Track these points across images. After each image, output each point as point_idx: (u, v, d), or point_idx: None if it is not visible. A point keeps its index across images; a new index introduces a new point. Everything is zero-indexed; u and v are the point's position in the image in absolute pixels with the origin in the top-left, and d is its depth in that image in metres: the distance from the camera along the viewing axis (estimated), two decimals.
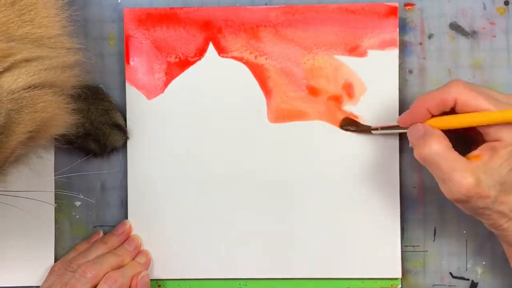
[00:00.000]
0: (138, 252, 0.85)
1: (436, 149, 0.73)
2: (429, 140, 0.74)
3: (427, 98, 0.76)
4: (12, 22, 0.65)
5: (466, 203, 0.74)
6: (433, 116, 0.76)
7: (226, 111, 0.85)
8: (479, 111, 0.73)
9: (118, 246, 0.84)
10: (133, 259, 0.84)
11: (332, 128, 0.84)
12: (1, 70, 0.63)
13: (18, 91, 0.64)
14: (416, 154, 0.75)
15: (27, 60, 0.65)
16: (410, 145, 0.77)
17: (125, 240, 0.85)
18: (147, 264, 0.85)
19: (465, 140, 0.77)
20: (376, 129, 0.83)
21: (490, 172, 0.73)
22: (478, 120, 0.74)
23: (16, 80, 0.63)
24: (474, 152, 0.74)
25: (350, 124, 0.84)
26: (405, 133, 0.78)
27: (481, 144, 0.75)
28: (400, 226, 0.84)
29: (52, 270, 0.83)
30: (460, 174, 0.72)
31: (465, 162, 0.73)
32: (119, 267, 0.82)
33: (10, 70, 0.64)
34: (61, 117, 0.71)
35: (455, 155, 0.73)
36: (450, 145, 0.74)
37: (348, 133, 0.84)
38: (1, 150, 0.65)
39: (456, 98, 0.74)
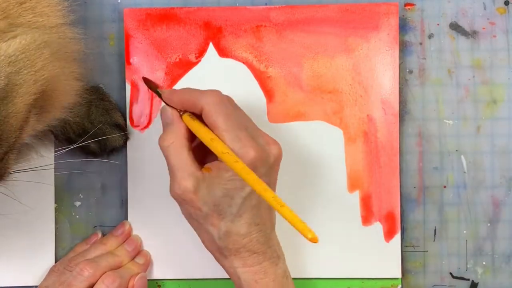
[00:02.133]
0: (138, 252, 0.85)
1: (169, 143, 0.74)
2: (167, 132, 0.75)
3: (186, 92, 0.76)
4: (12, 9, 0.65)
5: (181, 204, 0.75)
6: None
7: None
8: (213, 128, 0.73)
9: (118, 247, 0.84)
10: (132, 259, 0.84)
11: (332, 128, 0.84)
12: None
13: (14, 54, 0.64)
14: (159, 141, 0.75)
15: (24, 33, 0.66)
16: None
17: (125, 241, 0.85)
18: (146, 265, 0.84)
19: None
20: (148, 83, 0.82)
21: (210, 188, 0.73)
22: (206, 141, 0.73)
23: (10, 44, 0.64)
24: (208, 164, 0.74)
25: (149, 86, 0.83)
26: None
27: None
28: (400, 226, 0.84)
29: (51, 270, 0.83)
30: (182, 175, 0.73)
31: (194, 167, 0.73)
32: (118, 267, 0.81)
33: (7, 41, 0.65)
34: (68, 83, 0.72)
35: (187, 156, 0.74)
36: (187, 144, 0.74)
37: (349, 134, 0.84)
38: (11, 115, 0.65)
39: (203, 106, 0.73)
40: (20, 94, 0.65)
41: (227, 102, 0.75)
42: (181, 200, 0.74)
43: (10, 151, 0.68)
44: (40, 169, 0.76)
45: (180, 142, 0.74)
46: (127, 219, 0.85)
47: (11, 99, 0.65)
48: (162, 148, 0.75)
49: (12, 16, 0.65)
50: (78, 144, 0.79)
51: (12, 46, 0.64)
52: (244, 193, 0.73)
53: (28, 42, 0.65)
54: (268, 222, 0.76)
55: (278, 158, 0.75)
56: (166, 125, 0.76)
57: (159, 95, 0.79)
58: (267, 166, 0.74)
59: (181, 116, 0.76)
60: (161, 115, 0.77)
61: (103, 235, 0.85)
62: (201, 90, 0.76)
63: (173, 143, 0.74)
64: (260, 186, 0.69)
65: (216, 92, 0.75)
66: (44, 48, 0.67)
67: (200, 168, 0.74)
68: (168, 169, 0.75)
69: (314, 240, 0.65)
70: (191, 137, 0.76)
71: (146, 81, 0.83)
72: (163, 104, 0.78)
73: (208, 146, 0.73)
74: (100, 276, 0.79)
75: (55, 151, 0.83)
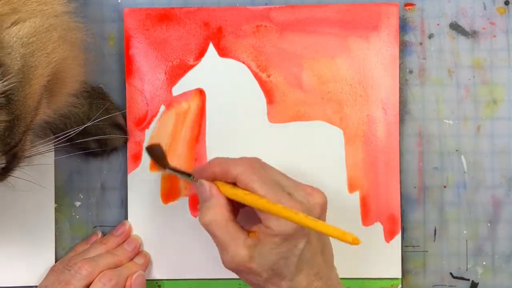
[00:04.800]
0: (137, 252, 0.85)
1: (211, 220, 0.73)
2: (206, 208, 0.74)
3: (216, 163, 0.75)
4: None
5: (239, 274, 0.74)
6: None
7: (226, 111, 0.85)
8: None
9: (118, 247, 0.84)
10: (132, 259, 0.84)
11: (332, 128, 0.84)
12: (9, 25, 0.65)
13: (26, 37, 0.66)
14: (199, 218, 0.74)
15: (31, 17, 0.67)
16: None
17: (125, 241, 0.85)
18: (145, 265, 0.84)
19: None
20: (171, 169, 0.81)
21: (262, 254, 0.72)
22: (251, 202, 0.72)
23: (21, 28, 0.66)
24: (254, 228, 0.73)
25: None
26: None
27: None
28: (400, 226, 0.84)
29: (51, 270, 0.83)
30: (234, 248, 0.73)
31: (243, 236, 0.73)
32: (117, 266, 0.81)
33: (17, 24, 0.66)
34: (74, 68, 0.73)
35: (234, 227, 0.73)
36: (230, 215, 0.74)
37: (349, 134, 0.84)
38: (28, 96, 0.66)
39: (237, 175, 0.73)
40: (36, 75, 0.66)
41: (258, 165, 0.74)
42: (238, 271, 0.74)
43: (26, 131, 0.68)
44: (40, 159, 0.77)
45: (223, 216, 0.73)
46: (127, 219, 0.85)
47: (28, 81, 0.66)
48: (204, 226, 0.74)
49: (17, 3, 0.66)
50: (78, 140, 0.79)
51: (23, 29, 0.66)
52: (298, 250, 0.73)
53: (38, 25, 0.67)
54: (325, 265, 0.76)
55: (324, 205, 0.74)
56: (203, 201, 0.75)
57: (192, 180, 0.78)
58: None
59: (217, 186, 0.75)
60: (196, 190, 0.76)
61: (103, 235, 0.86)
62: (228, 161, 0.75)
63: (215, 219, 0.73)
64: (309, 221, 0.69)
65: (245, 160, 0.74)
66: (53, 31, 0.68)
67: (247, 234, 0.74)
68: (215, 244, 0.74)
69: (356, 241, 0.67)
70: (232, 205, 0.75)
71: (177, 170, 0.81)
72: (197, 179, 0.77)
73: (252, 204, 0.72)
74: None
75: (55, 146, 0.83)
